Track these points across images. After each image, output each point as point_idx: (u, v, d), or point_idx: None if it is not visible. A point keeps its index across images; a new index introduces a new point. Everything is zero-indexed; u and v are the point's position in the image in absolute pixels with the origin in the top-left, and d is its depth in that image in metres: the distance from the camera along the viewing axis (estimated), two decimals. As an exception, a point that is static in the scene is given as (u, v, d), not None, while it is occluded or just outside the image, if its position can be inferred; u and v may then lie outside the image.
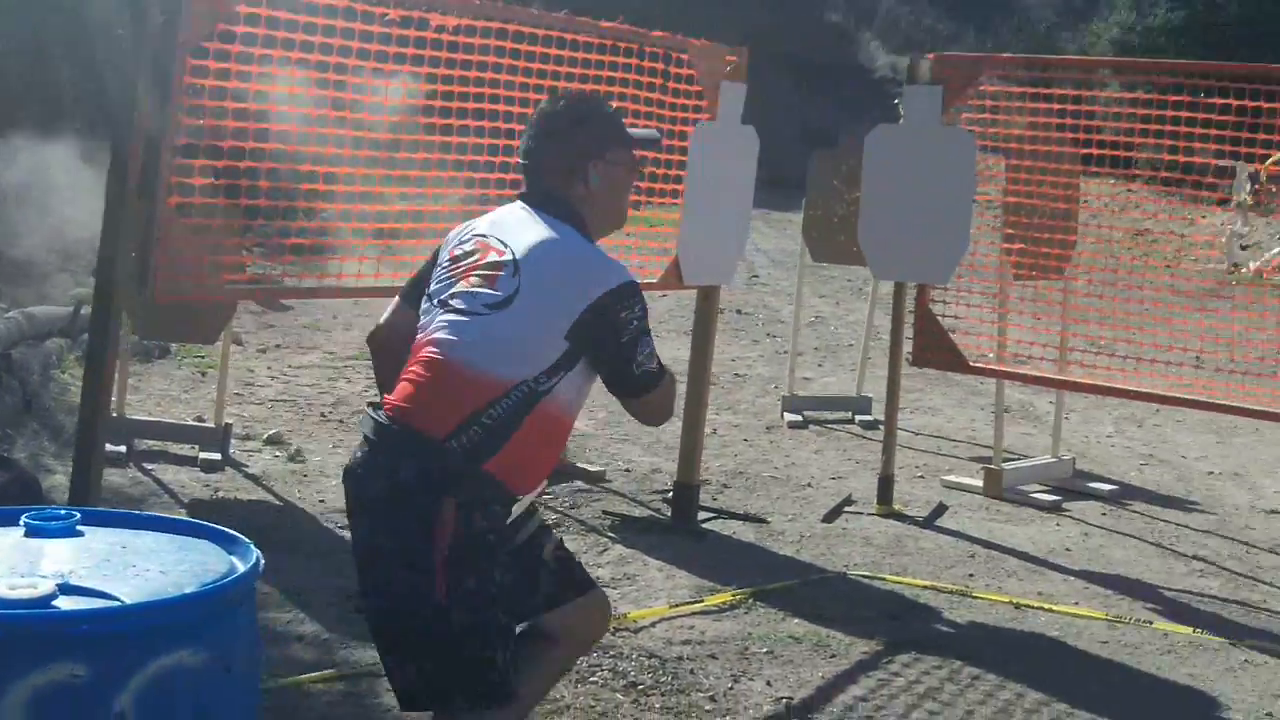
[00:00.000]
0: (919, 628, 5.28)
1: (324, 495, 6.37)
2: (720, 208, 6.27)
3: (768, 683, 4.64)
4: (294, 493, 6.47)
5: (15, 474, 5.55)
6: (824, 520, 6.62)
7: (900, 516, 6.71)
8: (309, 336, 10.12)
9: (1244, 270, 9.85)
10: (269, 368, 9.09)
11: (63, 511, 2.62)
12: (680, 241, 6.15)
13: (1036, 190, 7.08)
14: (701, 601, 5.37)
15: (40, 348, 7.85)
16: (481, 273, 3.24)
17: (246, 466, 6.79)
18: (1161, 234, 8.03)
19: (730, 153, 6.27)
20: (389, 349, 3.42)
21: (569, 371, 3.17)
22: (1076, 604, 5.64)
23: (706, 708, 4.42)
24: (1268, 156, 6.43)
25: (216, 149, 4.61)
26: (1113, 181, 8.23)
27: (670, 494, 6.62)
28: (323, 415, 7.93)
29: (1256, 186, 8.82)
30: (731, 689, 4.57)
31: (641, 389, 3.27)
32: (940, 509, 6.94)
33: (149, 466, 6.63)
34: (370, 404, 3.28)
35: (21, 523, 2.58)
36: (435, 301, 3.27)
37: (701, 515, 6.47)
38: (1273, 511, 7.24)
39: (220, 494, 6.38)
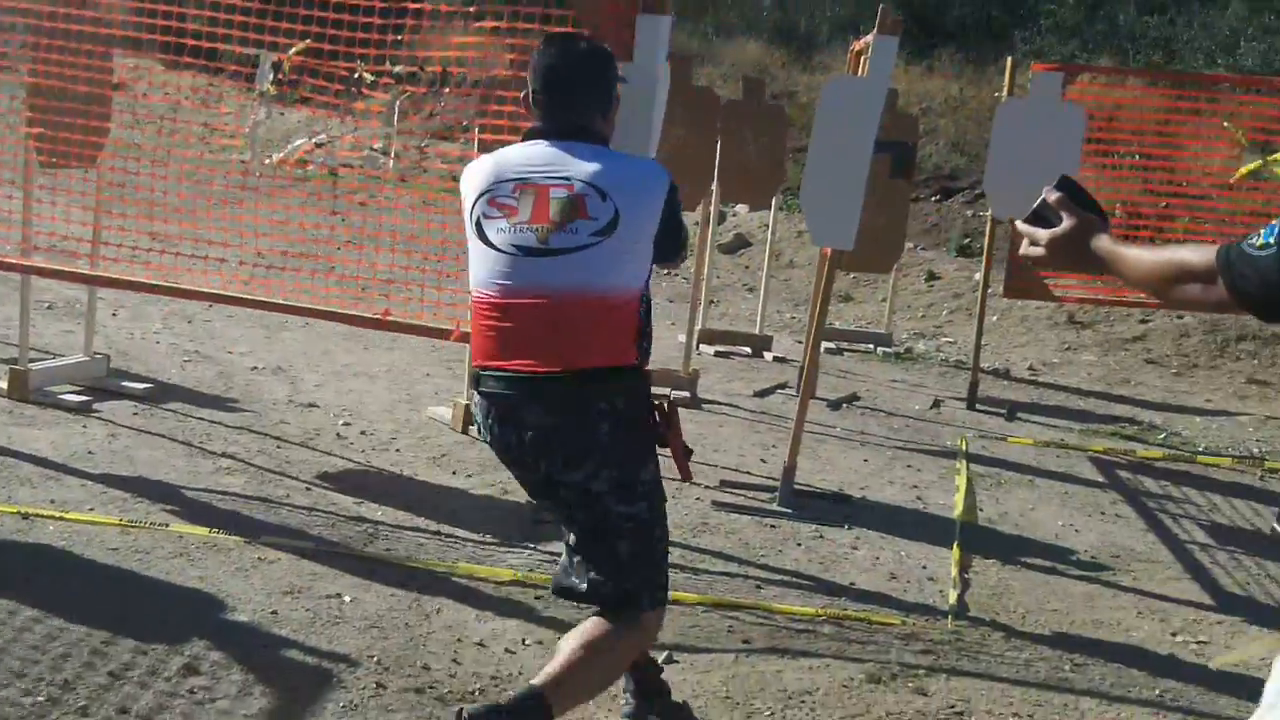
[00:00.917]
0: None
1: None
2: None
3: None
4: None
5: None
6: None
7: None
8: None
9: (268, 161, 9.96)
10: None
11: None
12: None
13: (63, 72, 6.62)
14: None
15: None
16: (561, 209, 3.52)
17: None
18: (191, 124, 7.82)
19: None
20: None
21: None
22: (91, 510, 5.35)
23: None
24: (290, 46, 6.42)
25: None
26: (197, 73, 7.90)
27: None
28: None
29: (279, 76, 8.86)
30: None
31: (684, 248, 3.89)
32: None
33: None
34: (495, 362, 3.55)
35: None
36: (519, 249, 3.52)
37: None
38: (310, 405, 7.36)
39: None
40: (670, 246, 3.72)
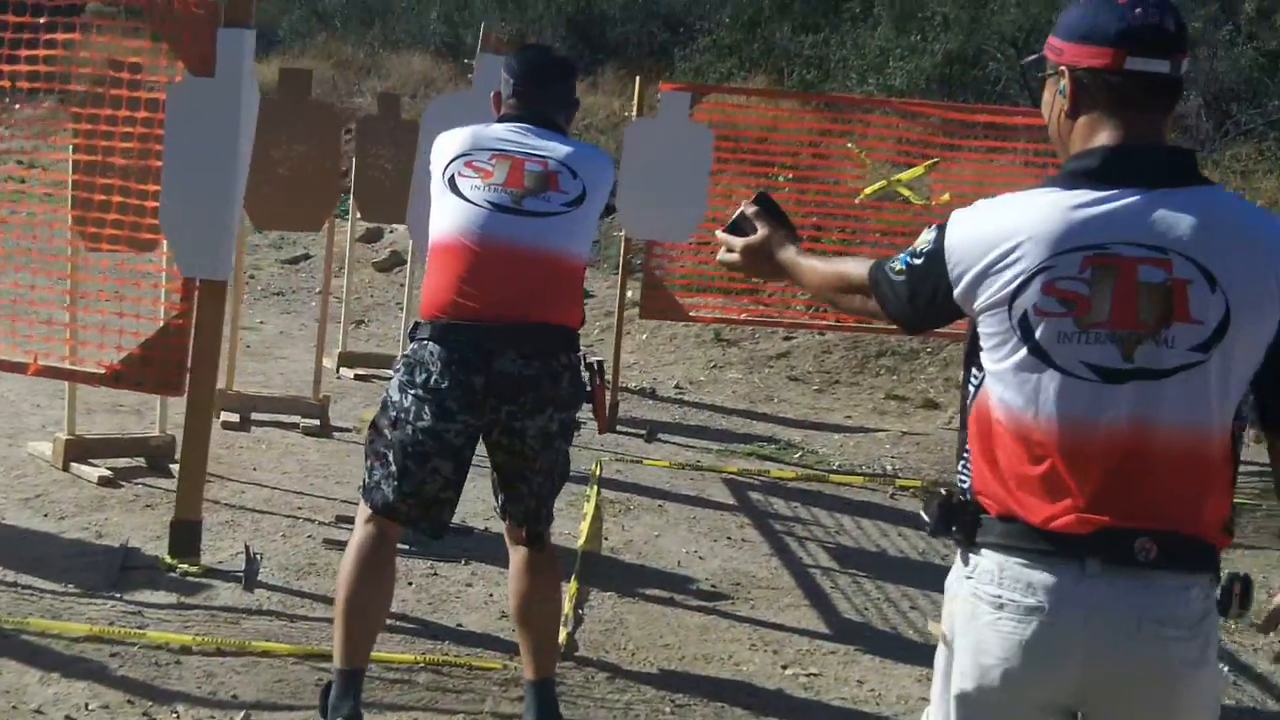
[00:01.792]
0: None
1: None
2: None
3: None
4: None
5: None
6: None
7: None
8: None
9: None
10: None
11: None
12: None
13: None
14: None
15: None
16: (534, 179, 4.01)
17: None
18: None
19: None
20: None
21: None
22: None
23: None
24: None
25: None
26: None
27: None
28: None
29: None
30: None
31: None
32: None
33: None
34: (462, 311, 3.93)
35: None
36: (493, 205, 3.98)
37: None
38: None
39: None
40: (602, 216, 4.32)
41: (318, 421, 7.88)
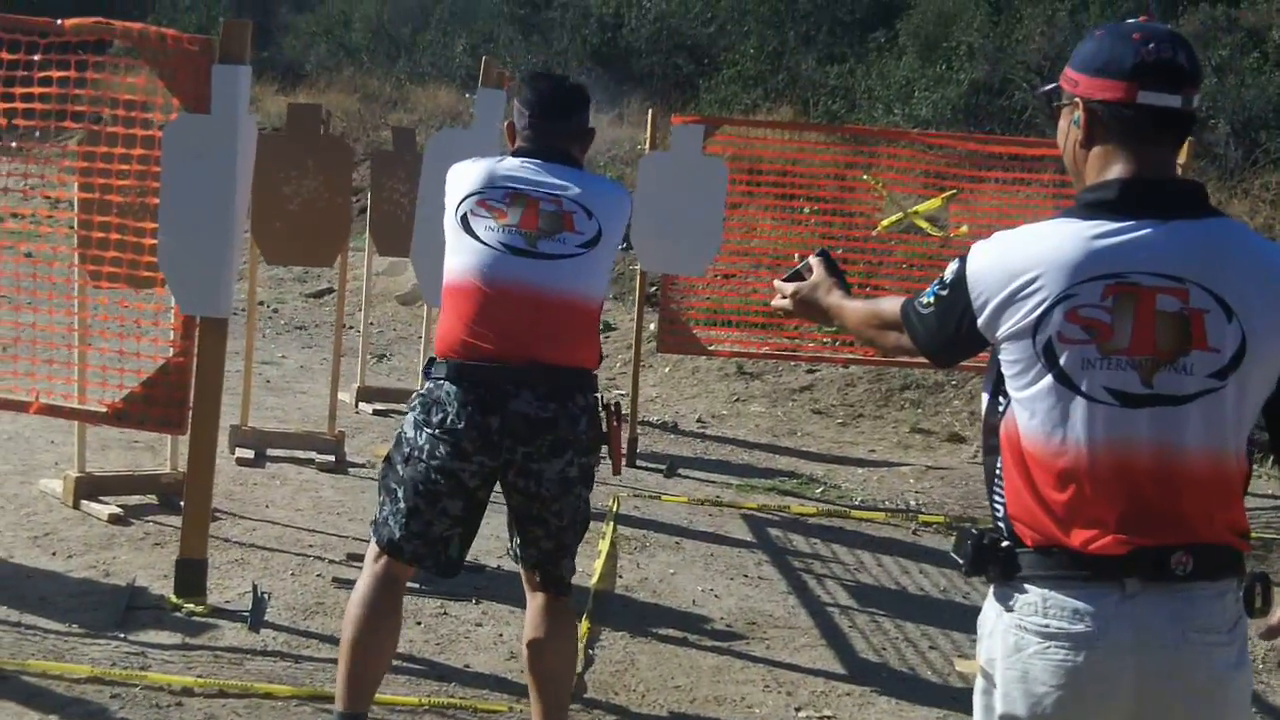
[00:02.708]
0: None
1: None
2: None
3: None
4: None
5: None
6: None
7: None
8: None
9: None
10: None
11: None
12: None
13: None
14: None
15: None
16: (549, 221, 3.95)
17: None
18: None
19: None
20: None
21: None
22: None
23: None
24: None
25: None
26: None
27: None
28: None
29: None
30: None
31: None
32: None
33: None
34: (478, 353, 3.88)
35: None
36: (507, 248, 3.92)
37: None
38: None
39: None
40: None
41: (333, 457, 7.81)
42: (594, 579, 6.00)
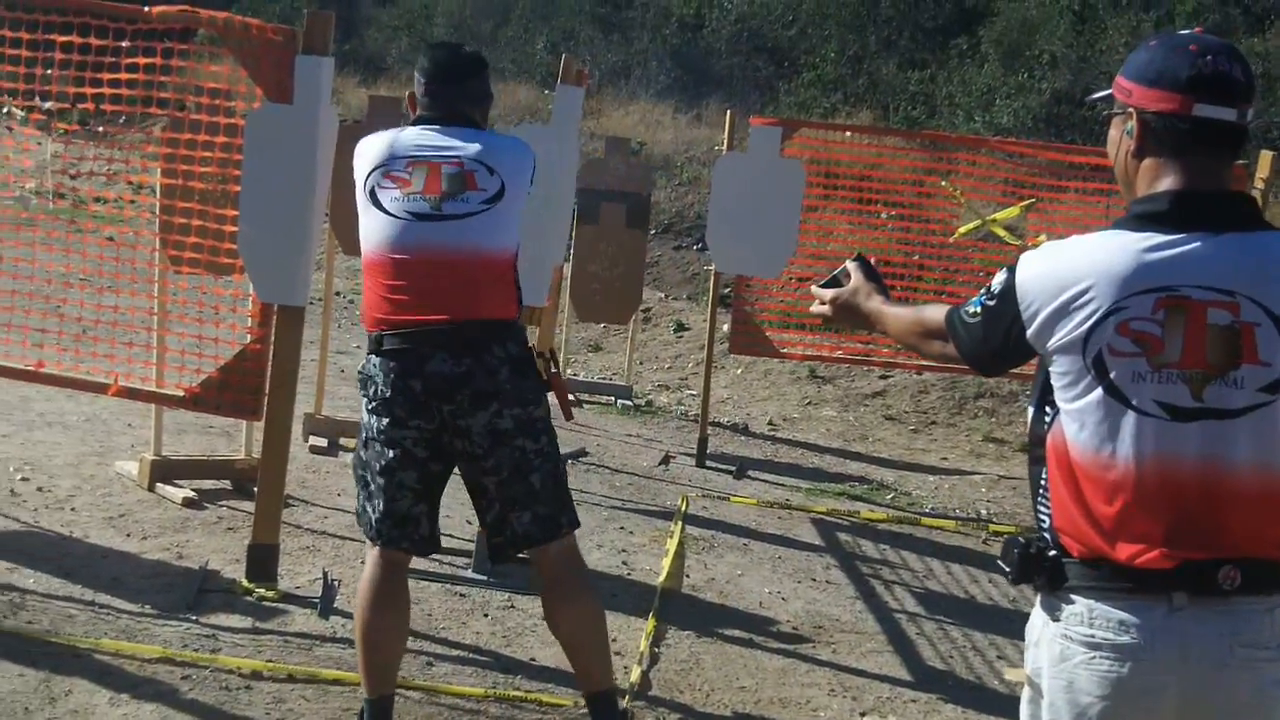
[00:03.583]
0: None
1: None
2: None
3: None
4: None
5: None
6: None
7: None
8: None
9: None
10: None
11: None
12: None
13: None
14: None
15: None
16: (451, 182, 4.03)
17: None
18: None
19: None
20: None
21: None
22: None
23: None
24: None
25: None
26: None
27: None
28: None
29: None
30: None
31: None
32: None
33: None
34: (395, 320, 4.00)
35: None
36: (413, 215, 4.01)
37: None
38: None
39: None
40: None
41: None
42: (661, 578, 6.00)
